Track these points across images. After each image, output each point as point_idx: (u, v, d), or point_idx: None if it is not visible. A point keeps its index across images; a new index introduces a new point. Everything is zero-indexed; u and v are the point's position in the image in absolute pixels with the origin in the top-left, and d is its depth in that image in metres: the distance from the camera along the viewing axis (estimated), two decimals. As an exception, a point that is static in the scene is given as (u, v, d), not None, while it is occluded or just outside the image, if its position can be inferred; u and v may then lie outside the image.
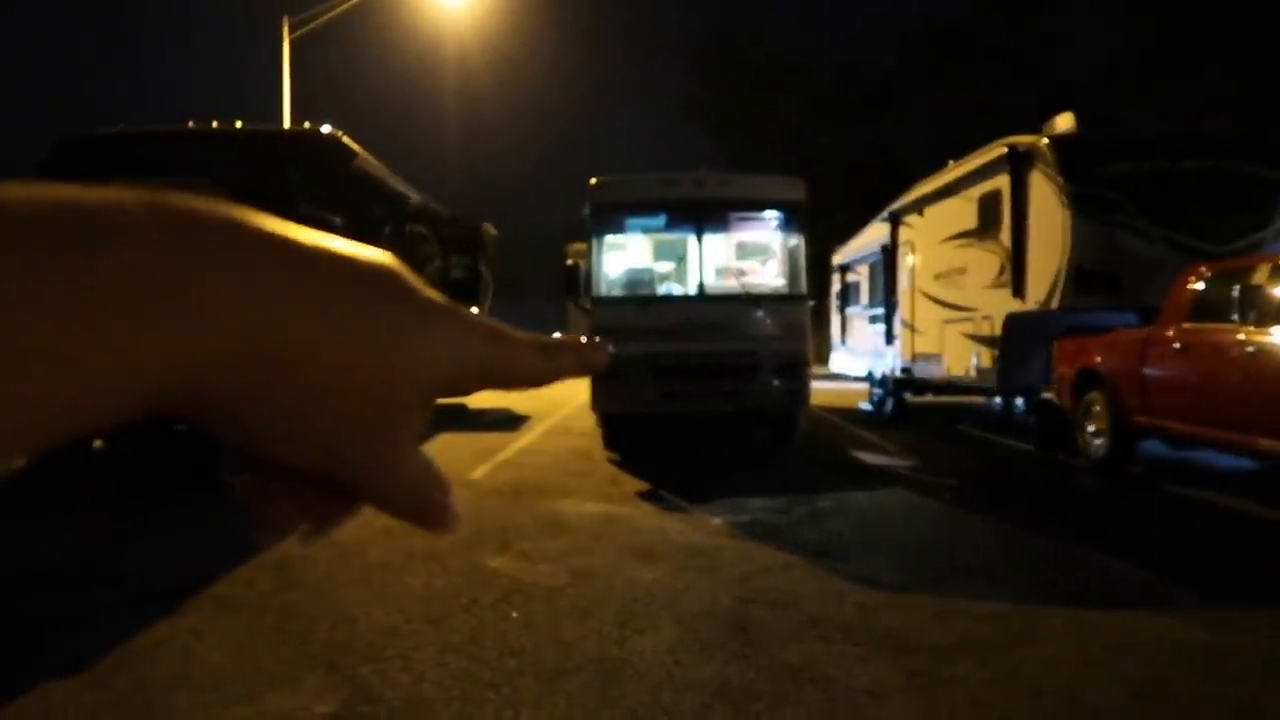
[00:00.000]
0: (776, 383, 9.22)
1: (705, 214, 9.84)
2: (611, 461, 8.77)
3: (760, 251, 11.22)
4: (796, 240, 10.11)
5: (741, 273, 10.59)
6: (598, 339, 0.45)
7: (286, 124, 14.45)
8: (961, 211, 10.96)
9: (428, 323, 0.35)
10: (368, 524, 5.75)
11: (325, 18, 16.15)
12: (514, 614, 4.07)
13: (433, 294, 0.37)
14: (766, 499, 6.75)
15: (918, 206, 12.74)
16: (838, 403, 15.76)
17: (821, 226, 12.56)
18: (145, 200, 0.28)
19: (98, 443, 8.67)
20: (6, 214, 0.25)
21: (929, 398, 13.24)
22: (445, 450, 9.51)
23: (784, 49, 37.42)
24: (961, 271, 11.01)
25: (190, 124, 9.75)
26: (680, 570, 4.80)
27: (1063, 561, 5.09)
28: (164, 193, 0.29)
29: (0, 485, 7.59)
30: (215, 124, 9.66)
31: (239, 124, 9.78)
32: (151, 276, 0.27)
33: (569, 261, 10.21)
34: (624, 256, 10.71)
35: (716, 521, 6.02)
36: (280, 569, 4.81)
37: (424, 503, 0.37)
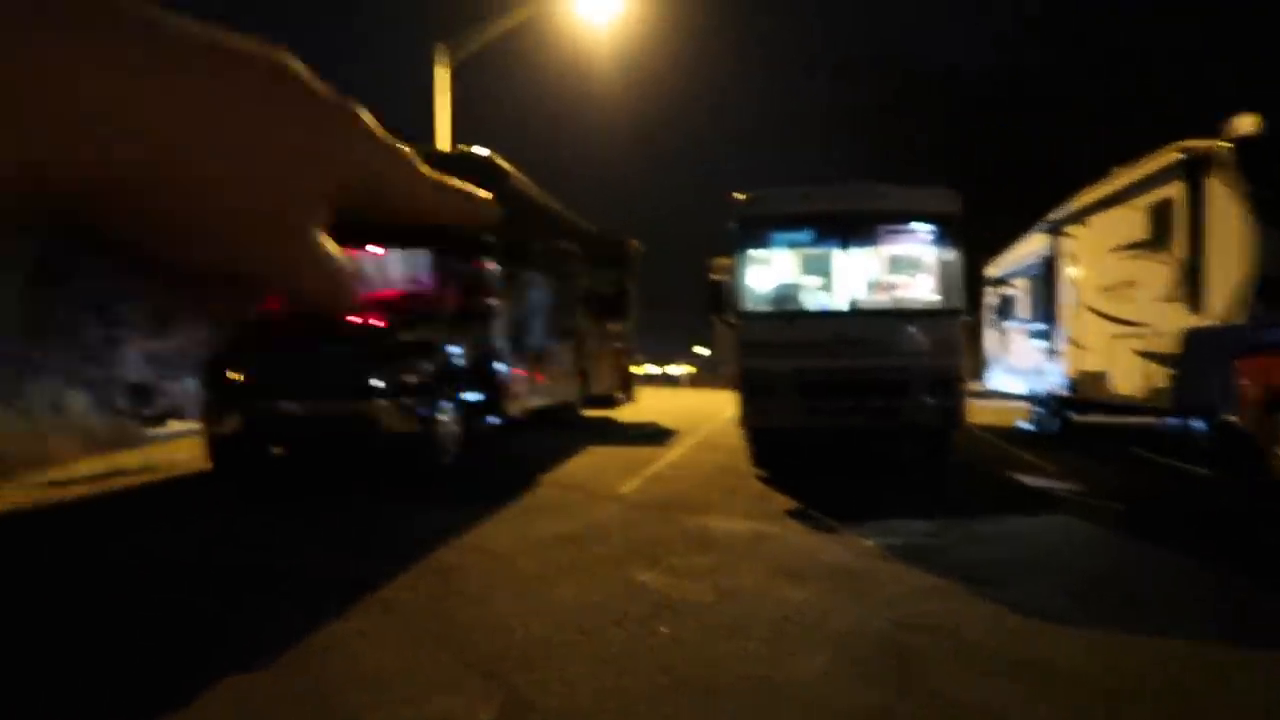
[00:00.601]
0: (929, 400, 8.95)
1: (855, 227, 9.67)
2: (759, 478, 8.71)
3: (912, 265, 10.92)
4: (951, 253, 9.79)
5: (893, 287, 10.33)
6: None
7: (444, 147, 15.11)
8: (1129, 221, 10.34)
9: (327, 116, 0.36)
10: (521, 537, 5.94)
11: (479, 45, 16.80)
12: (664, 629, 4.10)
13: (331, 91, 0.38)
14: (920, 520, 6.55)
15: (1081, 216, 12.09)
16: (994, 421, 15.12)
17: (975, 238, 12.12)
18: None
19: (277, 449, 9.27)
20: None
21: (1094, 417, 12.52)
22: (593, 464, 9.67)
23: (934, 55, 36.38)
24: (1130, 284, 10.37)
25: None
26: (831, 591, 4.72)
27: (1250, 597, 4.70)
28: None
29: (186, 487, 8.25)
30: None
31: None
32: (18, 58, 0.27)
33: (713, 277, 10.22)
34: (770, 271, 10.64)
35: (868, 543, 5.88)
36: (440, 575, 5.01)
37: (334, 288, 0.38)
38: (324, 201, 0.37)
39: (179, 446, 9.65)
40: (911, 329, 9.20)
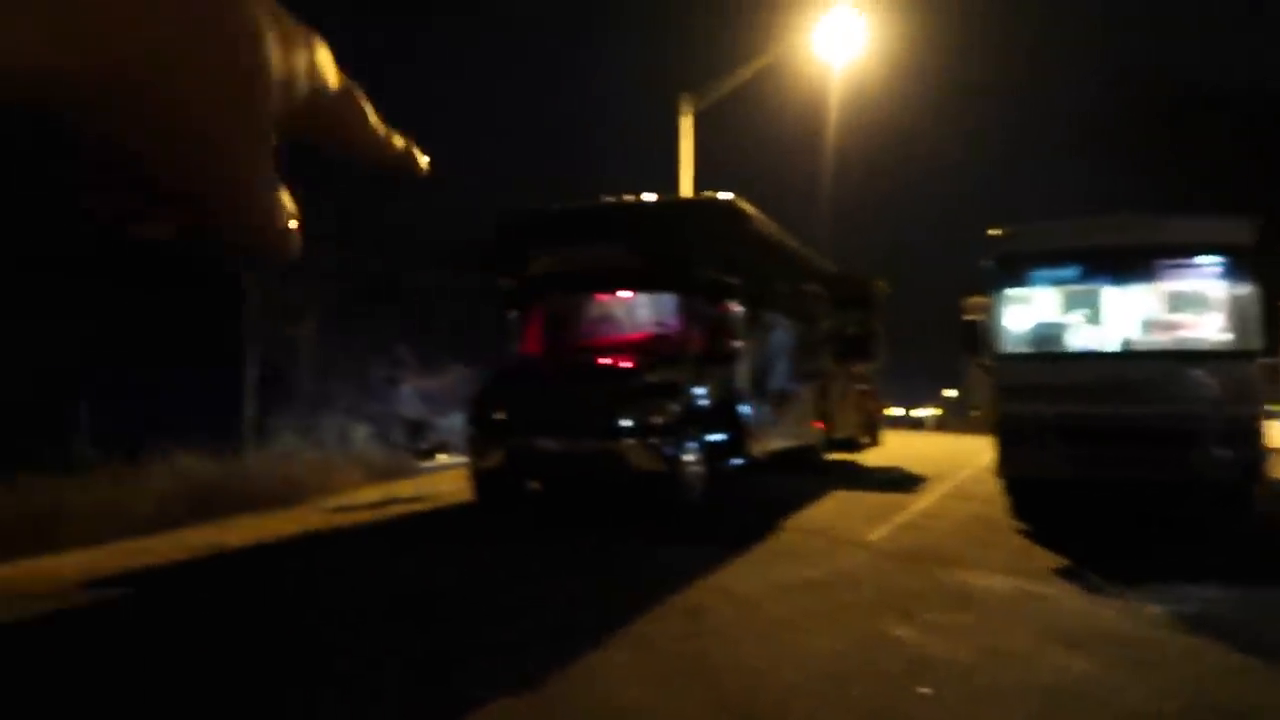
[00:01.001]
0: (1220, 451, 7.98)
1: (1129, 262, 8.90)
2: (1019, 531, 8.12)
3: (1197, 303, 9.86)
4: (1243, 288, 8.76)
5: (1174, 326, 9.37)
6: None
7: (689, 193, 15.50)
8: None
9: (290, 42, 0.35)
10: (766, 580, 5.87)
11: (722, 93, 17.17)
12: (922, 689, 3.88)
13: (297, 22, 0.37)
14: (1217, 587, 5.80)
15: None
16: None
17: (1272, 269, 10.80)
18: None
19: (535, 484, 9.78)
20: None
21: None
22: (838, 509, 9.43)
23: (1208, 73, 33.03)
24: None
25: (611, 200, 10.84)
26: (1112, 664, 4.27)
27: None
28: None
29: (451, 518, 8.86)
30: (628, 198, 10.63)
31: (648, 197, 10.68)
32: None
33: (968, 317, 9.73)
34: (1032, 310, 9.98)
35: (1155, 610, 5.27)
36: (689, 614, 5.04)
37: (270, 226, 0.36)
38: (275, 127, 0.38)
39: (446, 479, 10.42)
40: (1196, 372, 8.28)
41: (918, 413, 34.56)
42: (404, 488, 10.27)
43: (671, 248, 10.05)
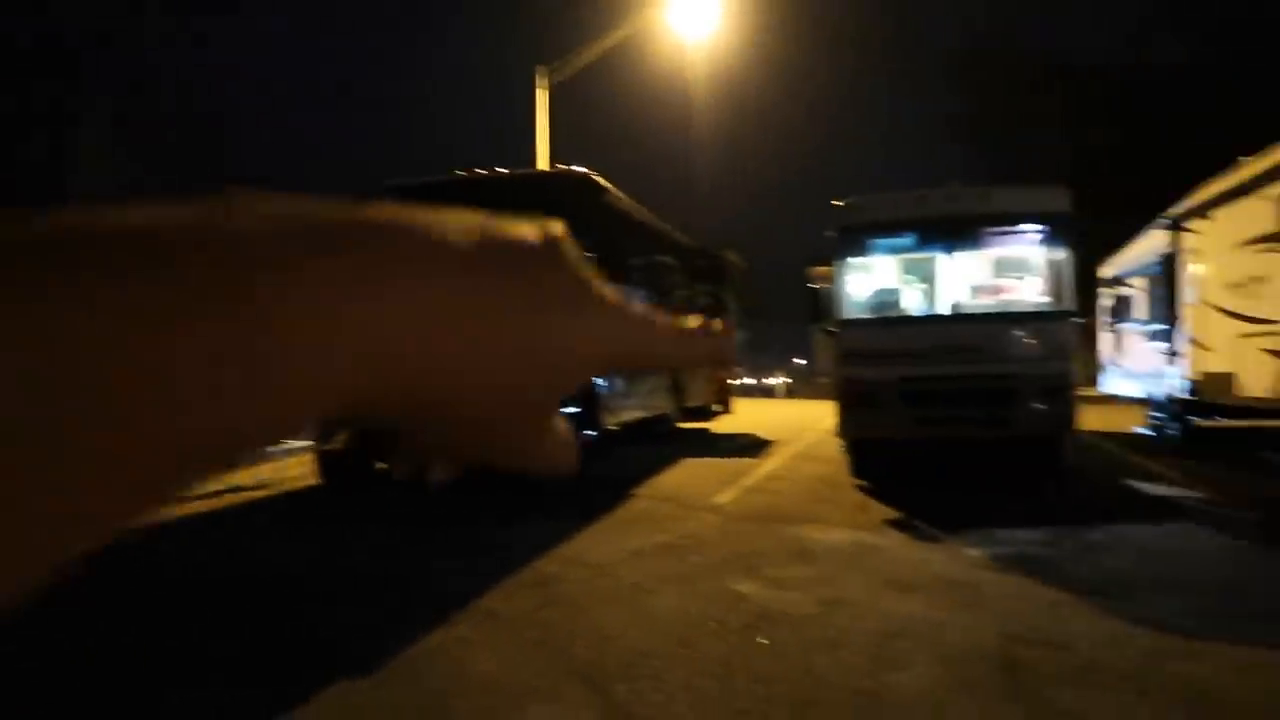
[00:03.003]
0: (1040, 406, 8.60)
1: (959, 230, 9.41)
2: (859, 488, 8.52)
3: (1020, 267, 10.55)
4: (1062, 253, 9.42)
5: (999, 290, 10.00)
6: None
7: (545, 166, 15.40)
8: (1259, 213, 9.76)
9: (589, 307, 0.35)
10: (618, 548, 5.95)
11: (578, 66, 17.06)
12: (763, 640, 4.04)
13: (589, 274, 0.35)
14: (1031, 530, 6.28)
15: (1204, 210, 11.47)
16: (1110, 427, 14.46)
17: (1090, 238, 11.65)
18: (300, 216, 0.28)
19: (380, 464, 9.55)
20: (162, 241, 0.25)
21: (1220, 421, 11.82)
22: (689, 476, 9.65)
23: (1045, 48, 35.20)
24: (1261, 280, 9.78)
25: (463, 173, 10.64)
26: (937, 604, 4.57)
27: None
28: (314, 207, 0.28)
29: (297, 503, 8.57)
30: (482, 171, 10.47)
31: (502, 170, 10.56)
32: (307, 300, 0.26)
33: (812, 285, 10.08)
34: (872, 277, 10.43)
35: (975, 553, 5.67)
36: (540, 585, 5.06)
37: (558, 465, 0.37)
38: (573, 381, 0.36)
39: (291, 464, 10.05)
40: (1020, 333, 8.87)
41: (770, 381, 35.61)
42: (243, 476, 9.85)
43: (525, 220, 9.94)
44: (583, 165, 10.57)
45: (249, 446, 0.27)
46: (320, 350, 0.27)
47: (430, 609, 4.58)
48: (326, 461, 8.88)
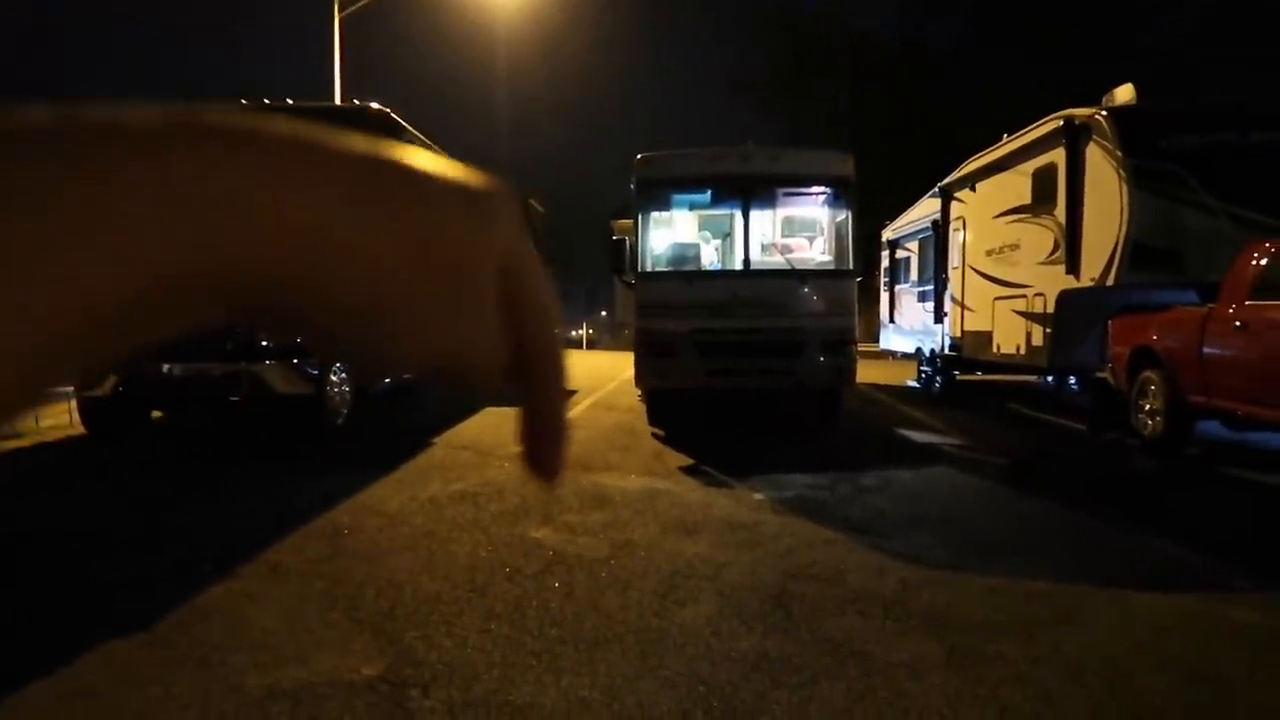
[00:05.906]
0: (822, 359, 9.15)
1: (751, 189, 9.77)
2: (655, 437, 8.80)
3: (807, 227, 11.12)
4: (844, 215, 10.01)
5: (788, 248, 10.50)
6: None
7: (338, 101, 14.63)
8: (1015, 186, 10.74)
9: (491, 216, 0.34)
10: (414, 497, 5.86)
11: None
12: (556, 584, 4.12)
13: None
14: (811, 475, 6.73)
15: (970, 182, 12.50)
16: (886, 380, 15.62)
17: (873, 203, 12.43)
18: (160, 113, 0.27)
19: (156, 413, 8.91)
20: (32, 128, 0.25)
21: (979, 376, 13.06)
22: (488, 425, 9.61)
23: (835, 20, 36.90)
24: (1014, 248, 10.80)
25: (250, 104, 9.91)
26: (722, 544, 4.82)
27: (1113, 542, 5.00)
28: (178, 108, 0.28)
29: (60, 454, 7.86)
30: (273, 103, 9.81)
31: (291, 102, 9.93)
32: (172, 178, 0.26)
33: (615, 237, 10.20)
34: (669, 232, 10.68)
35: (759, 497, 6.02)
36: (330, 536, 4.92)
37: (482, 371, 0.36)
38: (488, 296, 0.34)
39: (50, 411, 9.19)
40: (806, 290, 9.37)
41: (573, 333, 35.91)
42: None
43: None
44: (381, 103, 10.13)
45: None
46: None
47: (212, 564, 4.35)
48: (90, 408, 8.16)
